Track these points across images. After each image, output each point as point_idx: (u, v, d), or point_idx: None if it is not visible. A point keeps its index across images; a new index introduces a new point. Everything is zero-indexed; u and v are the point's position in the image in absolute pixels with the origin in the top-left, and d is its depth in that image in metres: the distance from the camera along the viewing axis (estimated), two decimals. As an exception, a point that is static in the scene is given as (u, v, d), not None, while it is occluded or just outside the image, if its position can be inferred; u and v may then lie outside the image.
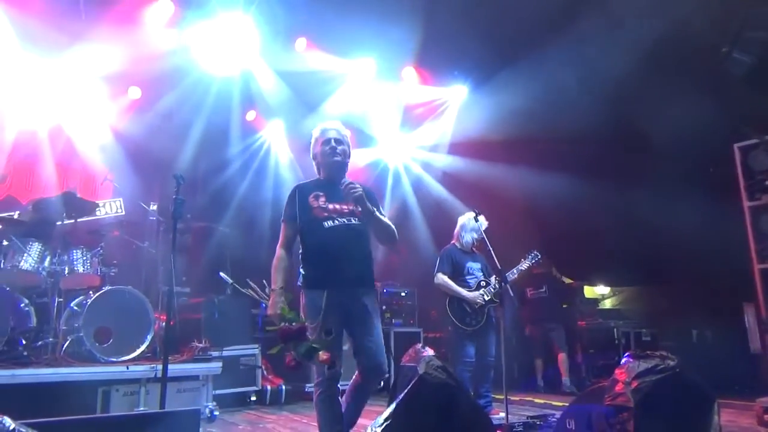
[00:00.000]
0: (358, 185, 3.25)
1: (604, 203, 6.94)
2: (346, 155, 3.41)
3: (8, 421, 1.57)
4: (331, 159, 3.37)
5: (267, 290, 3.19)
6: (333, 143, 3.39)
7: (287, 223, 3.33)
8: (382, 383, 3.34)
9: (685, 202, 6.15)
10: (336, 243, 3.21)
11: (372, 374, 3.19)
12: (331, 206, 3.29)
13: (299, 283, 3.30)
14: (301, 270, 3.30)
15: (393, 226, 3.40)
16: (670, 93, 6.02)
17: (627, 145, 6.81)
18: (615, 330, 7.53)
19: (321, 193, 3.34)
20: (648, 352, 2.96)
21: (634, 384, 2.76)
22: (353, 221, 3.29)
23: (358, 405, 3.27)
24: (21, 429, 1.60)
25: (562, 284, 7.91)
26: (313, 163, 3.54)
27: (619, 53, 5.93)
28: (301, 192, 3.36)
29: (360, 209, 3.28)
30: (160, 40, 6.28)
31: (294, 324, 2.78)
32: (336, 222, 3.25)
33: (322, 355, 2.69)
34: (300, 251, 3.32)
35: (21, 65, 6.41)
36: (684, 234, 6.09)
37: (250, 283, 3.25)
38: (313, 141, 3.52)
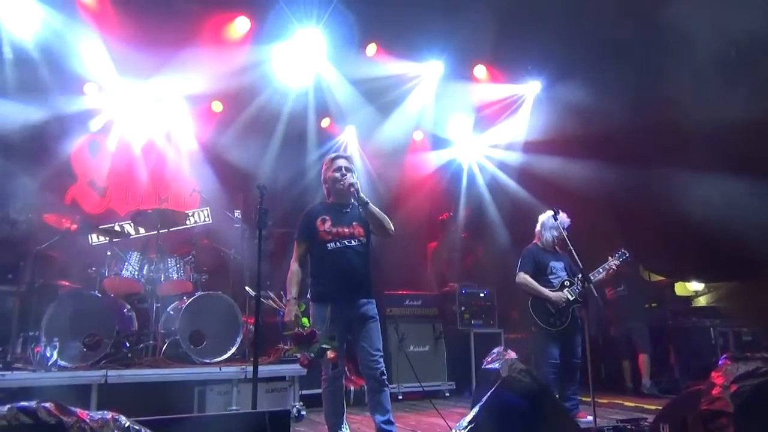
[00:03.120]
0: (355, 181, 3.71)
1: (696, 194, 6.54)
2: (354, 184, 3.71)
3: (124, 419, 1.74)
4: (340, 185, 3.78)
5: (284, 300, 3.67)
6: (344, 170, 3.81)
7: (299, 243, 3.84)
8: (384, 378, 3.68)
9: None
10: (337, 263, 3.70)
11: (366, 373, 3.66)
12: (335, 230, 3.75)
13: (308, 295, 3.83)
14: (310, 285, 3.83)
15: (386, 218, 3.80)
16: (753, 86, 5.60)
17: (721, 132, 6.38)
18: (711, 330, 7.05)
19: (327, 217, 3.80)
20: (748, 354, 2.79)
21: (733, 388, 2.61)
22: (353, 243, 3.76)
23: (374, 404, 3.65)
24: (135, 426, 1.76)
25: (644, 282, 7.53)
26: (324, 187, 3.99)
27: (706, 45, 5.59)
28: (310, 216, 3.85)
29: (362, 229, 3.79)
30: (239, 55, 6.59)
31: (305, 329, 3.29)
32: (338, 244, 3.72)
33: (330, 353, 3.23)
34: (309, 268, 3.83)
35: (116, 87, 6.96)
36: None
37: (270, 294, 3.64)
38: (324, 167, 3.97)
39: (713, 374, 2.77)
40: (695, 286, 8.28)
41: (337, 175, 3.82)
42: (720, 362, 2.82)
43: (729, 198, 6.26)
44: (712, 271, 7.86)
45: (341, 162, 3.88)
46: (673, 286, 7.99)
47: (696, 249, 7.14)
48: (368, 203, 3.70)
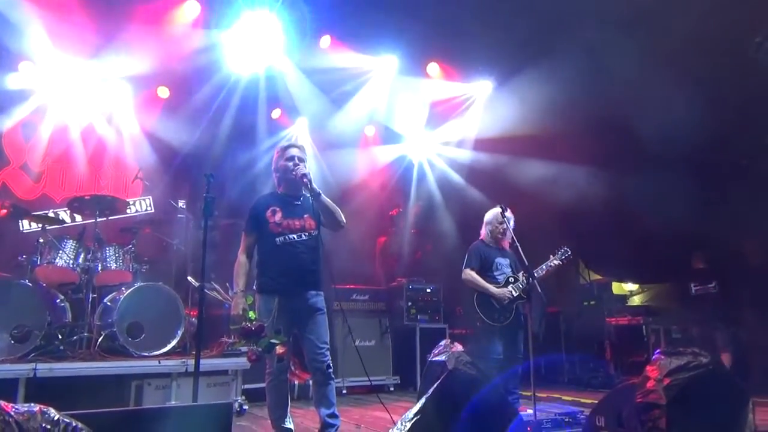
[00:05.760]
0: (307, 172, 3.66)
1: (632, 198, 6.81)
2: (306, 175, 3.66)
3: (53, 412, 1.64)
4: (291, 175, 3.69)
5: (230, 292, 3.45)
6: (296, 160, 3.72)
7: (247, 234, 3.73)
8: (330, 373, 3.65)
9: (713, 197, 6.00)
10: (286, 256, 3.62)
11: (313, 365, 3.62)
12: (285, 222, 3.67)
13: (254, 287, 3.71)
14: (256, 276, 3.72)
15: (338, 210, 3.77)
16: (697, 87, 5.87)
17: (657, 140, 6.67)
18: (644, 327, 7.38)
19: (278, 208, 3.71)
20: (680, 348, 2.92)
21: (666, 381, 2.73)
22: (303, 237, 3.69)
23: (319, 397, 3.65)
24: (65, 419, 1.66)
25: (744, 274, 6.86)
26: (274, 176, 3.89)
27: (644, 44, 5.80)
28: (259, 206, 3.75)
29: (313, 221, 3.72)
30: (187, 40, 6.39)
31: (253, 323, 3.22)
32: (287, 238, 3.66)
33: (279, 349, 3.19)
34: (256, 259, 3.74)
35: (54, 66, 6.59)
36: (715, 230, 5.95)
37: (215, 285, 3.54)
38: (276, 156, 3.86)
39: (648, 368, 2.89)
40: (630, 286, 8.66)
41: (289, 164, 3.73)
42: (654, 357, 2.94)
43: (659, 203, 6.54)
44: (645, 272, 8.25)
45: (294, 151, 3.79)
46: (611, 286, 8.30)
47: (631, 251, 7.45)
48: (320, 194, 3.65)
